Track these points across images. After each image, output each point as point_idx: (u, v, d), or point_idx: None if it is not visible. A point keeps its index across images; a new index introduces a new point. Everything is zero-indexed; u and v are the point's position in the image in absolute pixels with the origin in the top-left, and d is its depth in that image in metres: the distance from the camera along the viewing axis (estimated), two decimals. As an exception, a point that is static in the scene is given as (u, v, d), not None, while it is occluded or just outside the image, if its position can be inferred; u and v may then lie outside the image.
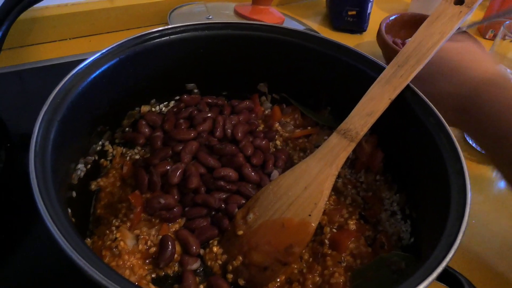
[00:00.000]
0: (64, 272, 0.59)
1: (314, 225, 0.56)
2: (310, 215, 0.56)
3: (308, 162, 0.60)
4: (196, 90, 0.77)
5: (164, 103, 0.75)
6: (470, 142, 0.91)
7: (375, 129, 0.69)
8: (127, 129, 0.71)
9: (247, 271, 0.55)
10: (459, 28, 0.63)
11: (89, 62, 0.57)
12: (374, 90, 0.62)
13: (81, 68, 0.56)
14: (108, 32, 1.11)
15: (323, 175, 0.58)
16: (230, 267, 0.56)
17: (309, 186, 0.57)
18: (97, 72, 0.58)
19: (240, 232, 0.58)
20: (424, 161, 0.58)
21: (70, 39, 1.07)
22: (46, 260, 0.62)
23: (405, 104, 0.62)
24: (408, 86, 0.62)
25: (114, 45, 0.61)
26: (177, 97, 0.76)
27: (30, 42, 1.03)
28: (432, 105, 0.59)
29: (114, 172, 0.67)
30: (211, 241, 0.60)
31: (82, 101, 0.55)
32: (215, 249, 0.59)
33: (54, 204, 0.42)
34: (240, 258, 0.56)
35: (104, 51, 0.60)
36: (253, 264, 0.55)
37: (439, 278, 0.44)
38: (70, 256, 0.38)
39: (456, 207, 0.47)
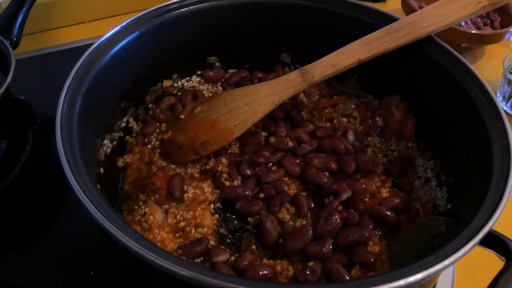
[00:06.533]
0: (98, 246, 0.59)
1: (234, 135, 0.63)
2: (236, 126, 0.62)
3: (262, 85, 0.65)
4: (217, 64, 0.75)
5: (186, 78, 0.74)
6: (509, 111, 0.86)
7: (406, 94, 0.67)
8: (150, 105, 0.70)
9: (169, 146, 0.65)
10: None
11: (109, 36, 0.57)
12: (351, 46, 0.63)
13: (102, 41, 0.56)
14: (126, 13, 1.10)
15: (266, 99, 0.63)
16: (160, 136, 0.67)
17: (251, 104, 0.63)
18: (119, 46, 0.57)
19: (182, 117, 0.67)
20: (462, 123, 0.55)
21: (89, 21, 1.07)
22: (78, 236, 0.63)
23: (438, 65, 0.59)
24: (441, 46, 0.59)
25: (134, 17, 0.60)
26: (199, 72, 0.75)
27: (50, 26, 1.03)
28: (468, 64, 0.55)
29: (139, 148, 0.66)
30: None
31: (104, 75, 0.54)
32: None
33: (83, 175, 0.42)
34: (170, 133, 0.66)
35: (123, 24, 0.59)
36: (174, 142, 0.66)
37: (484, 243, 0.42)
38: (102, 224, 0.37)
39: (500, 166, 0.45)
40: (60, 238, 0.64)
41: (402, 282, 0.36)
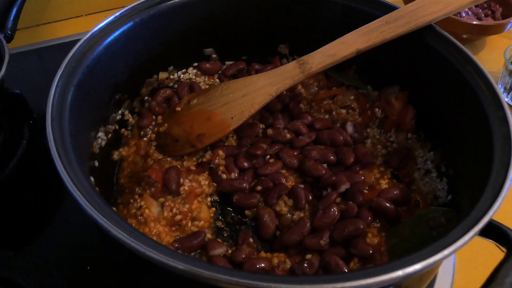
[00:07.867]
0: (95, 241, 0.59)
1: (231, 127, 0.62)
2: (232, 118, 0.62)
3: (259, 76, 0.64)
4: (214, 56, 0.74)
5: (182, 70, 0.73)
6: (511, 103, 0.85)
7: (405, 85, 0.66)
8: (146, 98, 0.69)
9: (165, 139, 0.65)
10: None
11: (103, 26, 0.56)
12: (349, 36, 0.62)
13: (95, 32, 0.55)
14: (124, 7, 1.09)
15: (262, 91, 0.62)
16: (156, 129, 0.67)
17: (248, 95, 0.62)
18: (112, 36, 0.56)
19: (178, 109, 0.66)
20: (462, 113, 0.54)
21: (86, 15, 1.06)
22: (75, 231, 0.63)
23: (438, 54, 0.58)
24: (442, 35, 0.58)
25: (128, 7, 0.59)
26: (196, 64, 0.73)
27: (46, 20, 1.03)
28: (469, 52, 0.54)
29: (135, 141, 0.66)
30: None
31: (97, 66, 0.54)
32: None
33: (74, 167, 0.41)
34: (166, 125, 0.65)
35: (117, 14, 0.58)
36: (170, 134, 0.65)
37: (485, 233, 0.41)
38: (92, 216, 0.36)
39: (501, 155, 0.44)
40: (56, 233, 0.64)
41: (400, 272, 0.35)
